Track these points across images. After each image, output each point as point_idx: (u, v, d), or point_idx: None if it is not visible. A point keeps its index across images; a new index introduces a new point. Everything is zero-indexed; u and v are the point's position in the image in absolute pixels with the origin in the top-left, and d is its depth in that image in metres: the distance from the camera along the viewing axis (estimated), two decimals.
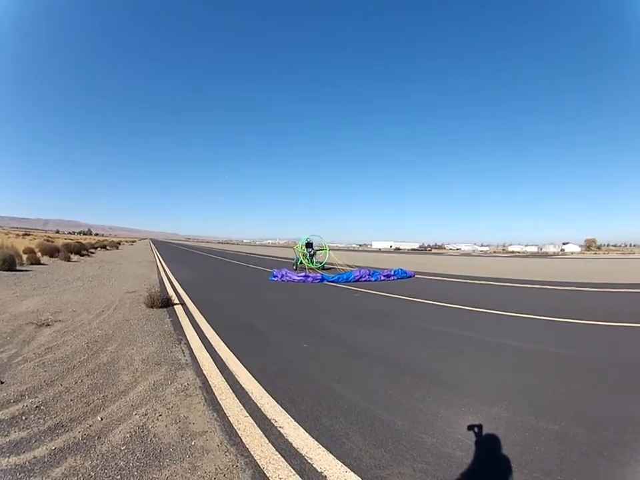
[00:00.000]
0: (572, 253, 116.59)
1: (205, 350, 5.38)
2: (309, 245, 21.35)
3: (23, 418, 3.23)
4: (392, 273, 17.25)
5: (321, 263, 21.07)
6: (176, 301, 9.15)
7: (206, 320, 7.26)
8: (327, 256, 22.26)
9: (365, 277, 15.97)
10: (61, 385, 3.97)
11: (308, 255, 20.68)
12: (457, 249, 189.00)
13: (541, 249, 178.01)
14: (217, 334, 6.22)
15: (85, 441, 2.91)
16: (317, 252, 21.63)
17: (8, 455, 2.67)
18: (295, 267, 20.45)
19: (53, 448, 2.78)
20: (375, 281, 15.93)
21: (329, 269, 20.55)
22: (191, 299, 9.78)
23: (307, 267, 19.37)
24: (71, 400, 3.64)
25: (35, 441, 2.87)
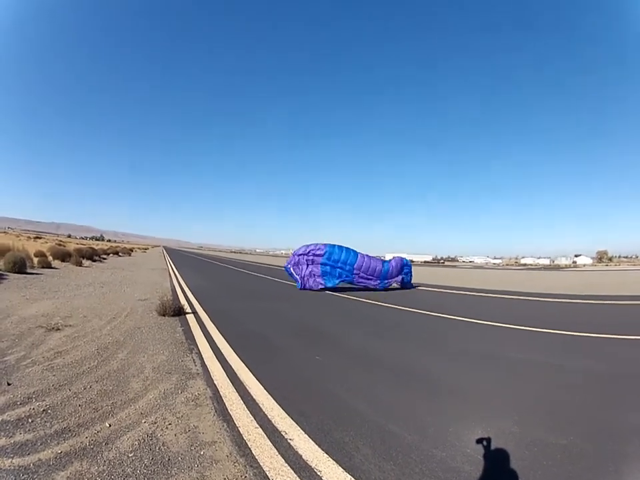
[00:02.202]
0: (584, 265, 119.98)
1: (216, 359, 5.42)
2: None
3: (29, 420, 3.30)
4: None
5: None
6: (188, 309, 9.24)
7: (218, 329, 7.32)
8: None
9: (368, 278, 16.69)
10: (70, 390, 4.04)
11: None
12: (470, 262, 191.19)
13: (553, 261, 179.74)
14: (229, 344, 6.27)
15: (92, 446, 2.95)
16: None
17: (12, 456, 2.73)
18: None
19: (59, 452, 2.83)
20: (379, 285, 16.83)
21: None
22: (203, 307, 9.89)
23: None
24: (79, 405, 3.69)
25: (41, 444, 2.92)
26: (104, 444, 2.99)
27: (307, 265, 16.77)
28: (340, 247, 17.01)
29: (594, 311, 12.04)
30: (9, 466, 2.60)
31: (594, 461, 2.94)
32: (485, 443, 3.20)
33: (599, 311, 12.02)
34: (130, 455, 2.85)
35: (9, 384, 4.03)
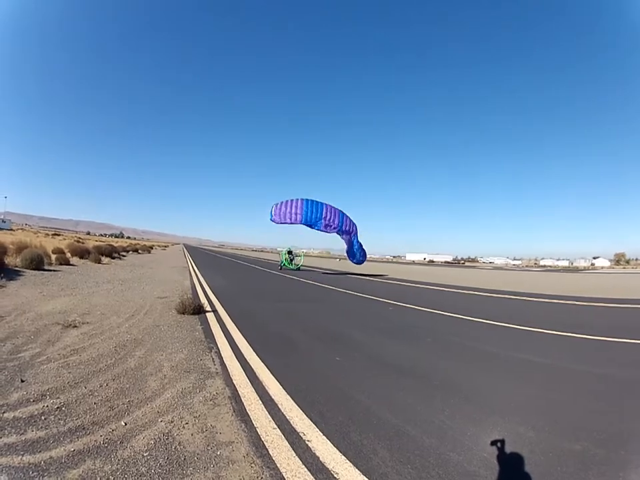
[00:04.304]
0: (602, 268, 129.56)
1: (236, 359, 5.47)
2: (290, 252, 33.32)
3: (42, 418, 3.36)
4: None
5: (298, 265, 33.01)
6: (208, 308, 9.37)
7: (237, 328, 7.39)
8: (302, 260, 34.77)
9: None
10: (85, 388, 4.11)
11: (289, 259, 32.78)
12: (490, 263, 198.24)
13: (572, 263, 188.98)
14: (248, 343, 6.33)
15: (106, 444, 2.99)
16: (296, 257, 33.64)
17: (22, 453, 2.78)
18: (280, 268, 31.69)
19: (72, 450, 2.87)
20: None
21: (305, 270, 32.35)
22: (223, 306, 10.00)
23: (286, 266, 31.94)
24: (95, 403, 3.75)
25: (53, 442, 2.97)
26: (119, 442, 3.03)
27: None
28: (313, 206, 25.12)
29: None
30: (19, 463, 2.65)
31: (605, 467, 3.03)
32: (501, 447, 3.30)
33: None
34: (145, 454, 2.88)
35: (22, 381, 4.12)
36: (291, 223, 24.90)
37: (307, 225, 24.83)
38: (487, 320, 9.69)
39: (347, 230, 26.03)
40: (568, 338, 7.95)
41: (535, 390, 4.80)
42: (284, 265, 32.23)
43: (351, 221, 26.22)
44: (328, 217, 24.69)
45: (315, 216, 24.54)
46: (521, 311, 12.69)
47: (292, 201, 25.15)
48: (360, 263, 30.17)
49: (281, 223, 25.23)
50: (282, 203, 25.20)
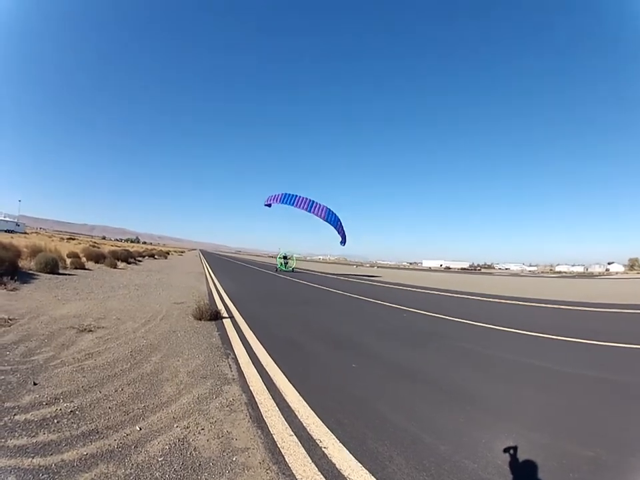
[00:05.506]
0: (617, 273, 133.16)
1: (253, 366, 5.50)
2: (284, 257, 41.05)
3: (55, 421, 3.39)
4: None
5: (291, 267, 41.10)
6: (225, 314, 9.43)
7: (255, 335, 7.41)
8: (294, 263, 42.98)
9: None
10: (100, 392, 4.15)
11: (284, 262, 40.55)
12: (506, 269, 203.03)
13: (587, 269, 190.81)
14: (266, 350, 6.36)
15: (120, 449, 3.00)
16: (289, 260, 41.68)
17: (33, 455, 2.81)
18: (276, 270, 38.32)
19: (85, 453, 2.89)
20: None
21: (298, 272, 38.53)
22: (240, 313, 10.06)
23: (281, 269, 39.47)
24: (109, 408, 3.79)
25: (65, 445, 2.99)
26: (133, 447, 3.05)
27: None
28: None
29: None
30: (28, 465, 2.67)
31: (615, 472, 3.13)
32: (516, 454, 3.37)
33: None
34: (159, 459, 2.89)
35: (35, 384, 4.17)
36: (274, 201, 34.22)
37: (284, 203, 33.90)
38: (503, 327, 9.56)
39: (317, 213, 33.86)
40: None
41: (552, 397, 4.85)
42: (279, 267, 39.97)
43: (323, 207, 34.22)
44: (299, 201, 33.59)
45: (290, 199, 33.52)
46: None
47: (279, 193, 34.96)
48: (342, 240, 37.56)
49: (268, 203, 34.97)
50: (273, 194, 35.32)
